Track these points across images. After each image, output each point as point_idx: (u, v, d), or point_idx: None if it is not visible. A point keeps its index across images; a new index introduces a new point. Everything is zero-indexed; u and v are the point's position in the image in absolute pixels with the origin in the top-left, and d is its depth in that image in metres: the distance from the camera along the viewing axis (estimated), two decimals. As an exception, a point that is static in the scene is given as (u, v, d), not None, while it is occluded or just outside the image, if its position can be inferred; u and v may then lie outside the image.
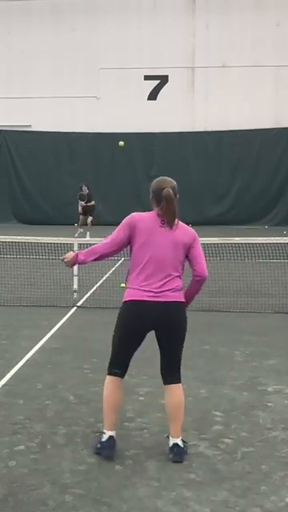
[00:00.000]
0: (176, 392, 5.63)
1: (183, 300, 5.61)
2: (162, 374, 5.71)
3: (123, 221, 5.62)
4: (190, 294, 5.73)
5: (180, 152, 34.09)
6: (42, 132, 34.99)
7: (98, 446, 5.59)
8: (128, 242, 5.60)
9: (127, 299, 5.57)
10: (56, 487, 4.97)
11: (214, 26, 34.36)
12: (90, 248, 5.71)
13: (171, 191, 5.50)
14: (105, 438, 5.57)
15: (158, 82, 35.06)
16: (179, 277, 5.59)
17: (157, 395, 7.04)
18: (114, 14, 34.66)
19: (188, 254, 5.60)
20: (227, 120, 33.92)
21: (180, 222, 5.60)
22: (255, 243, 15.53)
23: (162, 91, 35.14)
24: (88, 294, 13.53)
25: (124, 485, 5.03)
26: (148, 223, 5.54)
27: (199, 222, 32.65)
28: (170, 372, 5.65)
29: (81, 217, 28.21)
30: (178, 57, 34.73)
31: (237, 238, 14.61)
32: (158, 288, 5.48)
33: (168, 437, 5.68)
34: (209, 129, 34.44)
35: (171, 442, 5.59)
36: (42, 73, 34.94)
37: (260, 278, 14.70)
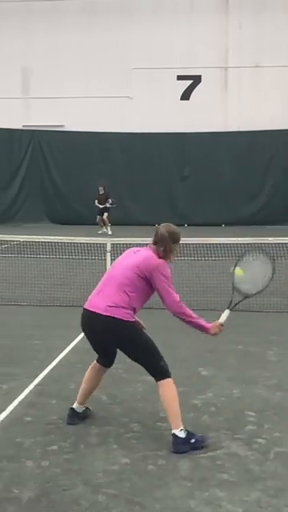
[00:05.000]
0: None
1: None
2: None
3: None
4: None
5: (213, 152, 33.94)
6: (75, 132, 35.05)
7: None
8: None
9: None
10: (89, 487, 4.99)
11: (248, 26, 34.20)
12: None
13: None
14: None
15: (191, 81, 34.97)
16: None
17: (189, 394, 7.03)
18: (147, 13, 34.64)
19: None
20: (260, 120, 33.70)
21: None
22: (288, 243, 15.38)
23: (195, 91, 35.04)
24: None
25: (157, 485, 5.03)
26: None
27: (232, 221, 32.59)
28: None
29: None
30: (211, 57, 34.61)
31: (270, 238, 14.50)
32: None
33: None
34: (242, 129, 34.27)
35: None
36: (74, 73, 35.01)
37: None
